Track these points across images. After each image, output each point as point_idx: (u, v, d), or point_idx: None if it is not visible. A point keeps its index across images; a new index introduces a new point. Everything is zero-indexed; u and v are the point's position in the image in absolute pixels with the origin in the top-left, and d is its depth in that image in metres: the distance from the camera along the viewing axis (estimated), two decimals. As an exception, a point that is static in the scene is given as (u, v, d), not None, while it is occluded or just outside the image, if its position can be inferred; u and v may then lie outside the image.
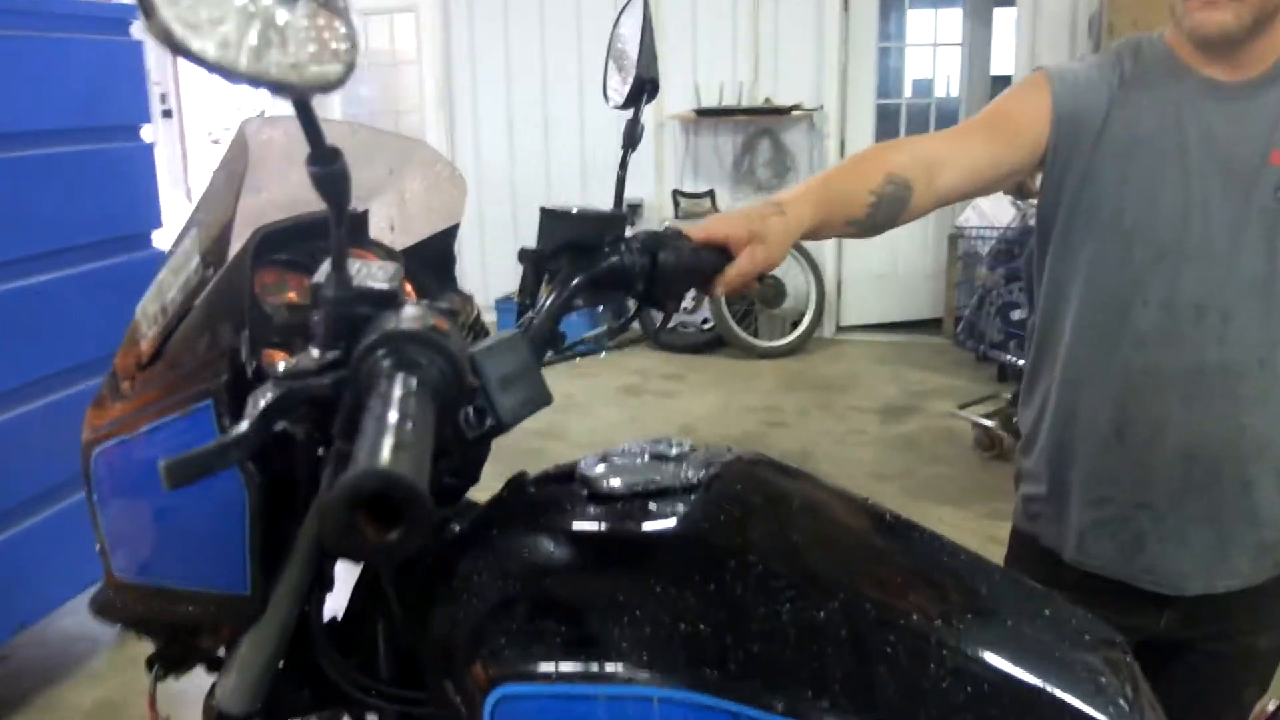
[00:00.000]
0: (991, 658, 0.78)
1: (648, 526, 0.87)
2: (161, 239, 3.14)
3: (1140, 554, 1.42)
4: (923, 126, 6.55)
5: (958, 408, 4.80)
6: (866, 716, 0.75)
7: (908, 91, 7.14)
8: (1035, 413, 1.53)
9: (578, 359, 1.45)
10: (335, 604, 1.02)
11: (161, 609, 0.95)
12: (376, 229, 1.10)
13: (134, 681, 2.27)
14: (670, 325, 6.36)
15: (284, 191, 0.95)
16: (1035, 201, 1.52)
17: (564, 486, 0.95)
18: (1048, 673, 0.78)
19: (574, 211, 1.02)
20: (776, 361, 6.25)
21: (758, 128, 6.60)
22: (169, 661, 1.02)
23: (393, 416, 0.58)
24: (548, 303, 0.98)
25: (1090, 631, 0.86)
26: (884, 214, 1.31)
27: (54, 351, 2.73)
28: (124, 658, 2.96)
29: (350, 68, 0.58)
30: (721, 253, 1.11)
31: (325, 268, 0.73)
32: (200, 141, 9.40)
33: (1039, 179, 1.47)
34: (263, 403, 0.68)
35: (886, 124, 6.61)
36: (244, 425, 0.66)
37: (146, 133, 3.13)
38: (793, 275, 6.44)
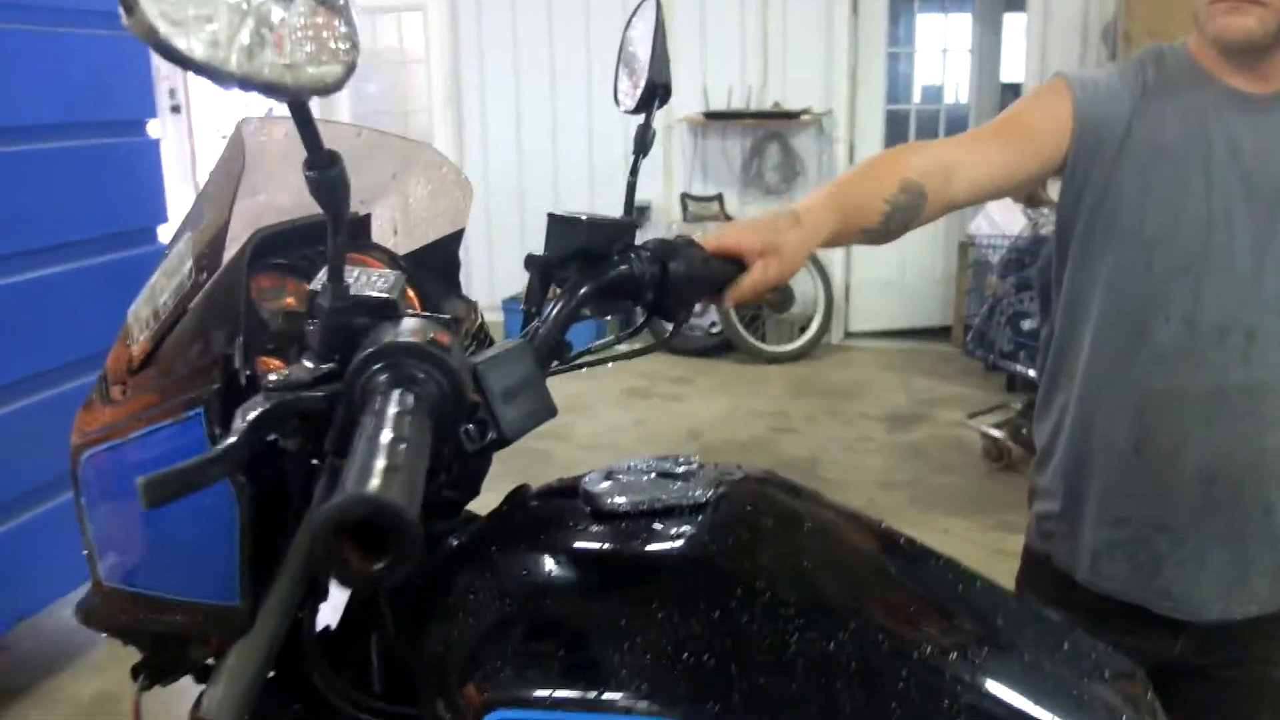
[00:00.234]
0: (1008, 693, 0.75)
1: (651, 547, 0.84)
2: (166, 234, 3.13)
3: (1157, 577, 1.39)
4: (932, 132, 6.51)
5: (967, 417, 4.76)
6: None
7: (917, 97, 7.08)
8: (1051, 427, 1.50)
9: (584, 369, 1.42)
10: (330, 614, 1.00)
11: (149, 617, 0.93)
12: (379, 233, 1.07)
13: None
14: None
15: (283, 194, 0.92)
16: (1046, 210, 1.49)
17: (567, 502, 0.92)
18: (1066, 709, 0.75)
19: (583, 218, 1.00)
20: (784, 366, 6.22)
21: (767, 131, 6.56)
22: (155, 670, 1.00)
23: (386, 437, 0.55)
24: (554, 312, 0.96)
25: (1110, 666, 0.82)
26: (897, 221, 1.28)
27: (57, 346, 2.73)
28: (123, 650, 2.93)
29: (350, 69, 0.55)
30: (734, 263, 1.09)
31: (322, 275, 0.70)
32: (209, 138, 9.39)
33: (1051, 187, 1.44)
34: (250, 416, 0.65)
35: (896, 129, 6.58)
36: (230, 439, 0.63)
37: (153, 128, 3.13)
38: (801, 281, 6.40)
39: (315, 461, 0.80)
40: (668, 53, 1.09)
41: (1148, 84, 1.37)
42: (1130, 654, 1.39)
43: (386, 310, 0.69)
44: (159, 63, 7.45)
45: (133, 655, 1.03)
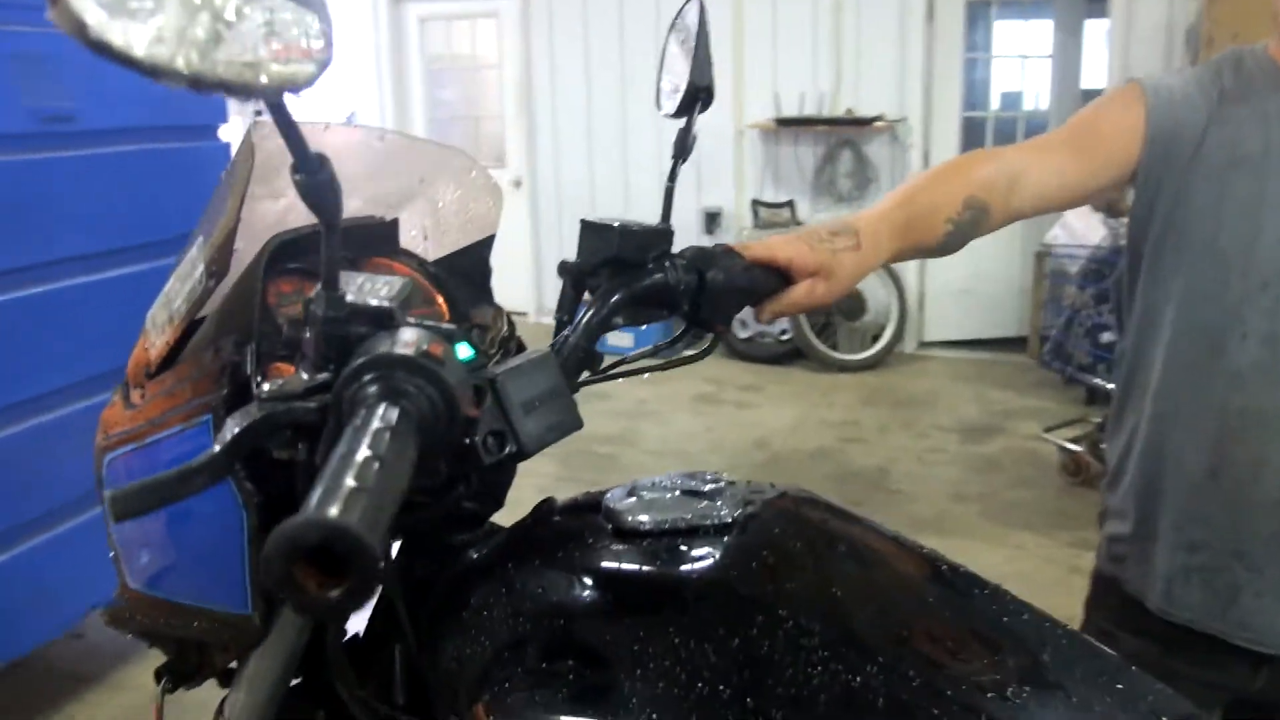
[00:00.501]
0: None
1: (671, 569, 0.80)
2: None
3: (1234, 606, 1.31)
4: (1010, 140, 6.35)
5: (1043, 430, 4.63)
6: None
7: (995, 104, 6.94)
8: (1122, 446, 1.43)
9: (620, 379, 1.38)
10: (361, 622, 0.99)
11: (169, 622, 0.93)
12: (408, 238, 1.05)
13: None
14: (746, 336, 6.33)
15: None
16: (1127, 220, 1.41)
17: (589, 518, 0.89)
18: None
19: (615, 225, 0.98)
20: (856, 375, 6.14)
21: (839, 138, 6.48)
22: (178, 674, 1.00)
23: (360, 455, 0.52)
24: (583, 320, 0.93)
25: (1169, 710, 0.75)
26: (958, 239, 1.24)
27: (133, 344, 2.77)
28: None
29: (323, 67, 0.51)
30: (777, 274, 1.06)
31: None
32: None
33: (1131, 196, 1.36)
34: (236, 429, 0.62)
35: (972, 136, 6.45)
36: (212, 451, 0.61)
37: (224, 132, 3.17)
38: (874, 289, 6.33)
39: None
40: (710, 55, 1.06)
41: (1225, 89, 1.29)
42: (1207, 688, 1.33)
43: (384, 319, 0.66)
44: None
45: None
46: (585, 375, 0.97)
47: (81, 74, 2.57)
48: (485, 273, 1.09)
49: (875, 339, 6.35)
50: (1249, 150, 1.25)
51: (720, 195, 6.77)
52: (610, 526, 0.86)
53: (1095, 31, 6.65)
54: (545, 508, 0.95)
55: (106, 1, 0.45)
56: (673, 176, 1.07)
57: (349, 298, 0.67)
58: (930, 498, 4.22)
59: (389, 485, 0.50)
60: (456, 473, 0.84)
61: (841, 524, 0.88)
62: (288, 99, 0.54)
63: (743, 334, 6.39)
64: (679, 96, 1.05)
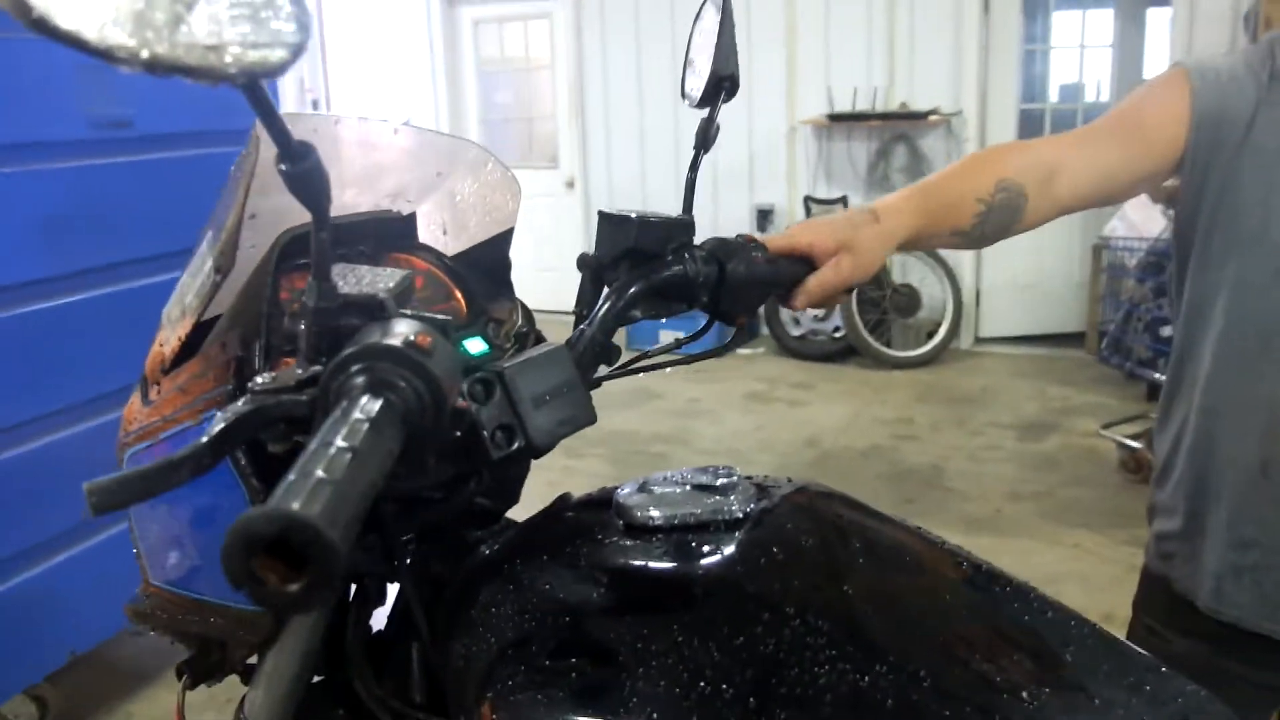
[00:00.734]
0: None
1: (679, 566, 0.78)
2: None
3: (1285, 606, 1.26)
4: (1070, 132, 6.23)
5: (1102, 427, 4.54)
6: None
7: (1053, 96, 6.79)
8: (1171, 441, 1.38)
9: (642, 374, 1.37)
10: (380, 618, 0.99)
11: (189, 619, 0.93)
12: (429, 233, 1.05)
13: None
14: (799, 333, 6.28)
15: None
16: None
17: (599, 514, 0.87)
18: None
19: (633, 216, 0.96)
20: (910, 373, 6.06)
21: (893, 133, 6.39)
22: (200, 670, 1.00)
23: (334, 447, 0.51)
24: (600, 313, 0.91)
25: (1200, 713, 0.72)
26: (994, 224, 1.21)
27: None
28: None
29: (296, 51, 0.50)
30: (803, 263, 1.05)
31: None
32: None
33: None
34: (223, 423, 0.61)
35: (1030, 129, 6.32)
36: (197, 443, 0.60)
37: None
38: (929, 284, 6.25)
39: None
40: (735, 45, 1.04)
41: (1276, 70, 1.23)
42: (1262, 689, 1.28)
43: (376, 310, 0.66)
44: (303, 74, 7.68)
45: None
46: (603, 369, 0.96)
47: (138, 80, 2.60)
48: (505, 266, 1.08)
49: (930, 335, 6.26)
50: None
51: (773, 192, 6.73)
52: (620, 522, 0.85)
53: (1158, 20, 6.48)
54: (560, 504, 0.94)
55: None
56: (694, 167, 1.06)
57: (343, 289, 0.66)
58: (985, 496, 4.15)
59: (359, 477, 0.49)
60: (465, 469, 0.84)
61: (859, 519, 0.86)
62: (281, 86, 0.53)
63: (795, 332, 6.35)
64: (703, 86, 1.04)
